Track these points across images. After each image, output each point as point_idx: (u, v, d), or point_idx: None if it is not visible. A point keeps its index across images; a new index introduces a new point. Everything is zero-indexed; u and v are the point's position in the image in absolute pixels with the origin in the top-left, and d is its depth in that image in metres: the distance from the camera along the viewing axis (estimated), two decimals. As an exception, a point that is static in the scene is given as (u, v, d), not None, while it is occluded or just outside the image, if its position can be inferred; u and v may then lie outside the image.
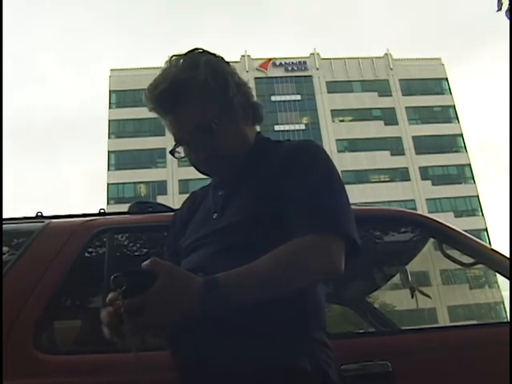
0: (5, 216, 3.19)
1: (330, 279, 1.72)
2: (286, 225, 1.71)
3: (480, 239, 3.15)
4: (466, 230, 3.07)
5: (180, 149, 1.92)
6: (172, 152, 1.93)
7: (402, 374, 2.40)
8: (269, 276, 1.59)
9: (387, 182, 65.63)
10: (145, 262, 1.51)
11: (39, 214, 3.18)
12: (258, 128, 2.04)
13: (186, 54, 1.91)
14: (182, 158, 1.93)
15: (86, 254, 2.89)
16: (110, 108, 68.64)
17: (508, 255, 2.87)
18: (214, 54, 1.94)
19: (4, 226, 3.10)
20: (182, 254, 1.92)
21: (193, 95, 1.82)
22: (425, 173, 66.27)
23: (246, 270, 1.57)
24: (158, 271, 1.48)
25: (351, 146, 67.03)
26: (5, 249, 3.10)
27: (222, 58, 1.95)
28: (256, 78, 66.40)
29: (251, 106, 1.96)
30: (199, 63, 1.85)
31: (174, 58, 1.90)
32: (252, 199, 1.79)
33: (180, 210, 2.17)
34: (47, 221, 3.00)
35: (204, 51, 1.92)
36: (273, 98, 67.12)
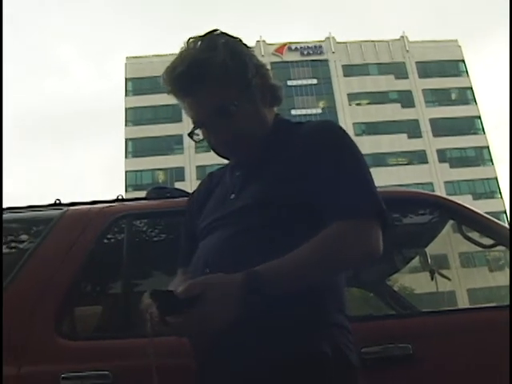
0: (24, 204, 3.22)
1: (371, 263, 1.70)
2: (312, 208, 1.70)
3: (500, 221, 3.12)
4: (485, 213, 3.04)
5: (198, 131, 1.90)
6: (190, 135, 1.92)
7: (423, 356, 2.39)
8: (311, 265, 1.59)
9: (405, 165, 65.31)
10: (180, 289, 1.52)
11: (57, 201, 3.19)
12: (275, 110, 2.01)
13: (203, 35, 1.88)
14: (201, 140, 1.91)
15: (105, 241, 2.90)
16: (126, 96, 68.73)
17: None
18: (232, 36, 1.91)
19: (23, 214, 3.12)
20: (199, 235, 1.91)
21: (211, 77, 1.79)
22: (442, 155, 65.87)
23: (286, 260, 1.57)
24: (196, 292, 1.50)
25: (368, 129, 66.71)
26: (24, 237, 3.13)
27: (240, 40, 1.92)
28: (272, 63, 66.17)
29: (270, 87, 1.93)
30: (217, 45, 1.83)
31: (191, 40, 1.87)
32: (272, 181, 1.77)
33: (196, 191, 2.15)
34: (65, 208, 3.01)
35: (222, 33, 1.89)
36: (289, 83, 66.83)
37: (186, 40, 1.87)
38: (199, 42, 1.85)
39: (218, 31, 1.89)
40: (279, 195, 1.72)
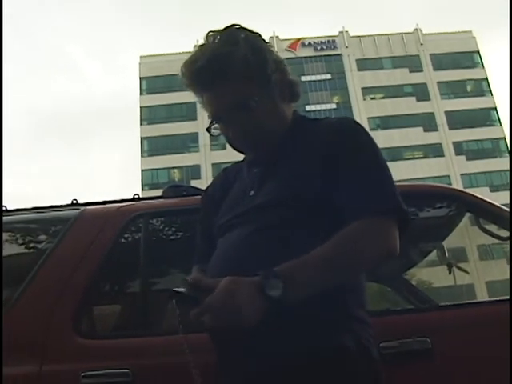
0: (41, 204, 3.23)
1: (388, 261, 1.70)
2: (332, 205, 1.70)
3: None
4: (503, 205, 3.03)
5: (216, 126, 1.89)
6: (208, 129, 1.91)
7: (442, 350, 2.39)
8: (330, 265, 1.59)
9: (421, 158, 65.08)
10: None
11: (74, 201, 3.21)
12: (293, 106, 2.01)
13: (223, 30, 1.87)
14: (219, 135, 1.91)
15: (122, 240, 2.91)
16: (140, 94, 68.90)
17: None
18: (252, 31, 1.90)
19: (41, 214, 3.14)
20: (217, 232, 1.90)
21: (232, 71, 1.79)
22: (459, 148, 65.55)
23: (306, 259, 1.57)
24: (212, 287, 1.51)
25: (383, 123, 66.49)
26: (42, 237, 3.15)
27: (260, 35, 1.92)
28: (285, 59, 65.43)
29: (288, 83, 1.93)
30: (238, 39, 1.82)
31: (211, 33, 1.86)
32: (291, 179, 1.77)
33: (211, 187, 2.14)
34: (82, 208, 3.03)
35: (241, 27, 1.89)
36: (303, 79, 66.62)
37: (206, 34, 1.86)
38: (219, 36, 1.84)
39: (238, 26, 1.89)
40: (298, 194, 1.72)
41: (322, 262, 1.58)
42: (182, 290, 1.55)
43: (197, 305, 1.50)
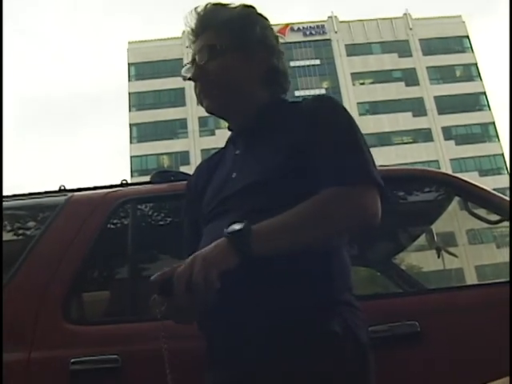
0: (29, 191, 3.22)
1: (369, 227, 1.69)
2: (313, 178, 1.69)
3: (506, 197, 3.11)
4: (491, 189, 3.03)
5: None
6: (182, 74, 1.98)
7: (431, 333, 2.39)
8: (302, 221, 1.60)
9: (410, 143, 65.20)
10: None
11: (62, 187, 3.19)
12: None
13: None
14: (188, 79, 1.94)
15: (110, 226, 2.90)
16: (129, 81, 68.57)
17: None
18: (266, 19, 2.02)
19: (28, 200, 3.13)
20: (203, 220, 1.89)
21: (215, 21, 1.90)
22: (448, 133, 65.67)
23: (278, 218, 1.58)
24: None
25: (373, 108, 66.53)
26: (30, 223, 3.14)
27: (272, 29, 2.03)
28: (274, 44, 65.67)
29: (272, 66, 1.94)
30: (241, 7, 1.96)
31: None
32: (272, 155, 1.77)
33: (194, 176, 2.14)
34: (70, 194, 3.02)
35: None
36: (292, 64, 66.49)
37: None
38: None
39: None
40: (280, 172, 1.72)
41: (292, 219, 1.59)
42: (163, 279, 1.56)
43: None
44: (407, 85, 67.89)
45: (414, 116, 66.20)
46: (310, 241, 1.61)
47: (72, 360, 2.33)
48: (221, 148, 2.08)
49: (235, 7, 1.94)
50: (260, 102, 1.92)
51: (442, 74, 69.13)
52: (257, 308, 1.60)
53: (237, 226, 1.55)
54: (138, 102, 66.82)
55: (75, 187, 3.18)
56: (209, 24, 1.90)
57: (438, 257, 3.31)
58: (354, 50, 69.78)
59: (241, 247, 1.52)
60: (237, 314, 1.63)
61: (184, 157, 62.43)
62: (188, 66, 1.94)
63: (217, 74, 1.86)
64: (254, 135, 1.88)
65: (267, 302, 1.60)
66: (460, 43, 71.14)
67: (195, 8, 1.92)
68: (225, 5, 1.94)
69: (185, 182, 2.46)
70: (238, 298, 1.60)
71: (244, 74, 1.89)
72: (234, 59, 1.88)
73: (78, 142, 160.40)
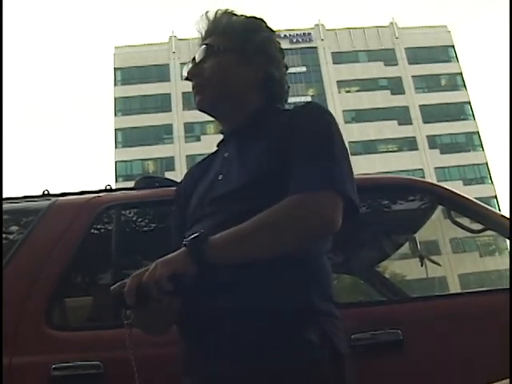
0: (12, 195, 3.20)
1: (326, 235, 1.69)
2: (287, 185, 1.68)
3: (490, 206, 3.13)
4: (475, 198, 3.05)
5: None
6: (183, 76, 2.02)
7: (413, 341, 2.40)
8: (256, 234, 1.59)
9: (395, 151, 65.38)
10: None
11: (46, 192, 3.18)
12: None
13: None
14: (187, 78, 1.98)
15: (94, 231, 2.89)
16: (115, 85, 68.36)
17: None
18: (271, 29, 2.04)
19: (12, 205, 3.11)
20: (190, 221, 1.89)
21: (217, 28, 1.95)
22: (433, 141, 65.93)
23: (236, 227, 1.59)
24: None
25: (358, 116, 66.69)
26: (13, 228, 3.11)
27: (279, 43, 2.06)
28: (261, 51, 65.82)
29: (268, 73, 1.95)
30: (245, 16, 2.00)
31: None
32: (257, 160, 1.77)
33: (183, 181, 2.14)
34: (54, 199, 3.00)
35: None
36: (278, 71, 66.53)
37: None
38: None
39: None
40: (262, 177, 1.72)
41: (246, 230, 1.58)
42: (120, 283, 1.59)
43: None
44: (393, 93, 68.14)
45: (399, 124, 66.39)
46: (263, 249, 1.60)
47: (53, 366, 2.31)
48: (210, 153, 2.09)
49: (243, 16, 1.99)
50: (253, 107, 1.93)
51: (428, 83, 69.45)
52: (232, 315, 1.60)
53: (195, 235, 1.57)
54: (123, 106, 66.61)
55: (59, 192, 3.16)
56: (215, 29, 1.95)
57: (422, 265, 3.32)
58: (340, 57, 69.97)
59: (196, 255, 1.53)
60: (211, 321, 1.64)
61: (169, 162, 62.28)
62: (189, 65, 1.98)
63: (211, 71, 1.90)
64: (244, 138, 1.89)
65: (242, 310, 1.59)
66: (445, 53, 71.50)
67: (206, 13, 1.97)
68: (234, 13, 1.98)
69: (169, 188, 2.46)
70: (212, 305, 1.61)
71: (238, 76, 1.92)
72: (229, 60, 1.91)
73: (62, 146, 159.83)
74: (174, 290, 1.49)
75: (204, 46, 1.93)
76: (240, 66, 1.92)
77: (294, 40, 69.97)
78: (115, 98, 67.41)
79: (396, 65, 69.92)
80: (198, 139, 60.04)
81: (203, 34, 1.98)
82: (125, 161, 63.27)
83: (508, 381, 1.54)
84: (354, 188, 1.72)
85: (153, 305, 1.53)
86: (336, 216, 1.62)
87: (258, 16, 2.05)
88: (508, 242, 2.94)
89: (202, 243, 1.54)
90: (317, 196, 1.62)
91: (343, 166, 1.73)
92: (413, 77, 69.13)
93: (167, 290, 1.49)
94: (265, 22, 2.02)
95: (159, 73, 63.04)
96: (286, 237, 1.63)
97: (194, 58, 1.96)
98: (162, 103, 62.63)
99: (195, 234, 1.56)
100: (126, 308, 1.57)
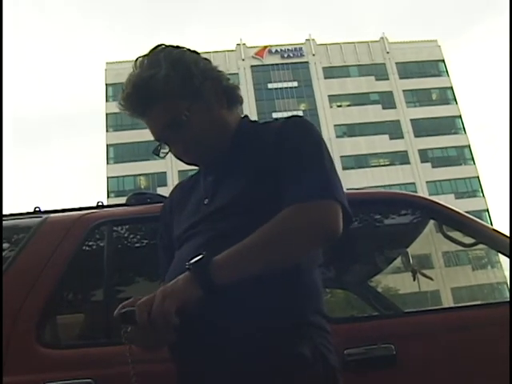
0: (3, 212, 3.18)
1: (328, 243, 1.69)
2: (277, 200, 1.68)
3: (482, 220, 3.14)
4: (467, 212, 3.06)
5: (164, 146, 1.90)
6: (156, 152, 1.92)
7: (406, 356, 2.39)
8: (261, 245, 1.59)
9: (387, 165, 65.55)
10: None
11: (37, 209, 3.17)
12: (243, 109, 2.02)
13: (149, 52, 1.88)
14: (166, 155, 1.91)
15: (86, 248, 2.88)
16: (106, 101, 68.38)
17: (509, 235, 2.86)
18: (178, 47, 1.90)
19: (3, 221, 3.09)
20: (175, 244, 1.89)
21: (156, 93, 1.79)
22: (424, 155, 66.16)
23: (238, 244, 1.58)
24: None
25: (350, 131, 66.89)
26: (4, 245, 3.09)
27: (187, 49, 1.92)
28: (252, 66, 66.37)
29: (224, 89, 1.91)
30: (159, 59, 1.83)
31: (139, 59, 1.87)
32: (242, 180, 1.77)
33: (168, 199, 2.14)
34: (45, 215, 2.99)
35: (166, 46, 1.89)
36: (270, 86, 66.95)
37: (135, 60, 1.87)
38: (144, 61, 1.85)
39: (162, 46, 1.89)
40: (250, 196, 1.72)
41: (250, 244, 1.58)
42: (127, 309, 1.58)
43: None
44: (384, 107, 68.44)
45: (390, 138, 66.63)
46: (269, 262, 1.60)
47: (45, 384, 2.29)
48: (196, 172, 2.08)
49: (158, 61, 1.83)
50: (231, 128, 1.91)
51: (419, 97, 69.82)
52: (220, 328, 1.60)
53: (197, 257, 1.55)
54: (115, 122, 66.57)
55: (50, 209, 3.16)
56: (150, 98, 1.80)
57: (414, 279, 3.32)
58: (331, 72, 70.25)
59: (201, 279, 1.52)
60: (203, 337, 1.63)
61: (161, 178, 62.22)
62: (159, 147, 1.91)
63: (190, 141, 1.83)
64: (226, 161, 1.88)
65: (233, 325, 1.59)
66: (436, 67, 71.92)
67: (129, 76, 1.85)
68: (150, 61, 1.84)
69: (162, 204, 2.46)
70: (203, 321, 1.60)
71: (211, 122, 1.85)
72: (198, 119, 1.82)
73: (53, 162, 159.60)
74: (180, 322, 1.49)
75: (166, 123, 1.81)
76: (207, 111, 1.85)
77: (285, 55, 70.24)
78: (107, 114, 67.41)
79: (387, 79, 70.26)
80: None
81: (136, 109, 1.84)
82: (116, 176, 63.22)
83: None
84: (345, 196, 1.73)
85: (158, 333, 1.52)
86: (339, 224, 1.64)
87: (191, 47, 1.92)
88: (500, 255, 2.94)
89: (207, 266, 1.53)
90: (319, 205, 1.64)
91: (335, 176, 1.75)
92: (404, 91, 69.48)
93: (175, 324, 1.49)
94: (175, 47, 1.91)
95: (151, 88, 63.03)
96: (291, 247, 1.63)
97: (159, 139, 1.87)
98: (154, 119, 62.54)
99: (198, 258, 1.55)
100: (125, 327, 1.57)
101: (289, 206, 1.64)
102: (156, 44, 1.91)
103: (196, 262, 1.54)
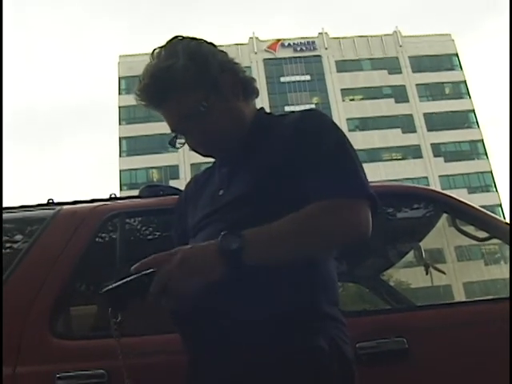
0: (17, 204, 3.20)
1: (357, 243, 1.68)
2: (300, 197, 1.67)
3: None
4: (480, 206, 3.04)
5: (180, 137, 1.90)
6: (172, 143, 1.93)
7: (419, 350, 2.39)
8: (295, 236, 1.59)
9: (399, 160, 65.41)
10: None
11: (50, 200, 3.18)
12: (256, 103, 2.01)
13: (166, 43, 1.88)
14: (182, 146, 1.92)
15: (98, 239, 2.89)
16: (119, 94, 68.52)
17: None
18: (195, 38, 1.91)
19: (16, 213, 3.11)
20: (190, 234, 1.90)
21: (174, 84, 1.79)
22: (437, 150, 65.95)
23: (269, 229, 1.57)
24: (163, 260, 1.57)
25: (362, 124, 66.76)
26: (18, 237, 3.11)
27: (204, 41, 1.92)
28: (265, 60, 66.29)
29: (240, 81, 1.92)
30: (177, 50, 1.83)
31: (156, 50, 1.87)
32: (258, 173, 1.76)
33: (184, 192, 2.15)
34: (59, 207, 3.00)
35: (184, 38, 1.89)
36: (282, 79, 66.88)
37: (152, 50, 1.87)
38: (162, 52, 1.85)
39: (180, 37, 1.90)
40: (265, 187, 1.72)
41: (283, 229, 1.58)
42: (113, 285, 1.57)
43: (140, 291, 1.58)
44: (397, 101, 68.22)
45: (403, 133, 66.44)
46: (301, 252, 1.61)
47: (58, 375, 2.30)
48: (211, 165, 2.08)
49: (176, 51, 1.83)
50: (247, 120, 1.91)
51: (432, 92, 69.54)
52: (238, 320, 1.60)
53: (233, 239, 1.53)
54: (128, 115, 66.71)
55: (64, 201, 3.16)
56: (168, 89, 1.80)
57: (427, 273, 3.31)
58: (344, 66, 70.09)
59: (229, 255, 1.51)
60: (216, 325, 1.63)
61: (173, 171, 62.37)
62: (175, 138, 1.92)
63: (207, 132, 1.83)
64: (242, 153, 1.88)
65: (249, 313, 1.59)
66: (449, 61, 71.59)
67: (146, 67, 1.86)
68: (168, 52, 1.85)
69: (174, 197, 2.46)
70: (218, 308, 1.61)
71: (228, 113, 1.85)
72: (215, 110, 1.82)
73: (67, 155, 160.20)
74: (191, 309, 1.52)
75: (184, 114, 1.81)
76: (224, 104, 1.85)
77: (298, 49, 70.10)
78: (120, 107, 67.54)
79: (400, 73, 70.01)
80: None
81: (153, 99, 1.85)
82: (129, 169, 63.38)
83: None
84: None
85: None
86: (370, 226, 1.65)
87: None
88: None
89: (237, 240, 1.53)
90: (352, 203, 1.64)
91: (363, 171, 1.75)
92: (417, 85, 69.22)
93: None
94: (192, 38, 1.91)
95: (163, 81, 62.95)
96: (322, 242, 1.65)
97: (175, 130, 1.89)
98: (167, 112, 62.54)
99: (234, 239, 1.53)
100: (114, 315, 1.57)
101: (321, 200, 1.63)
102: (170, 37, 1.91)
103: (224, 234, 1.54)
